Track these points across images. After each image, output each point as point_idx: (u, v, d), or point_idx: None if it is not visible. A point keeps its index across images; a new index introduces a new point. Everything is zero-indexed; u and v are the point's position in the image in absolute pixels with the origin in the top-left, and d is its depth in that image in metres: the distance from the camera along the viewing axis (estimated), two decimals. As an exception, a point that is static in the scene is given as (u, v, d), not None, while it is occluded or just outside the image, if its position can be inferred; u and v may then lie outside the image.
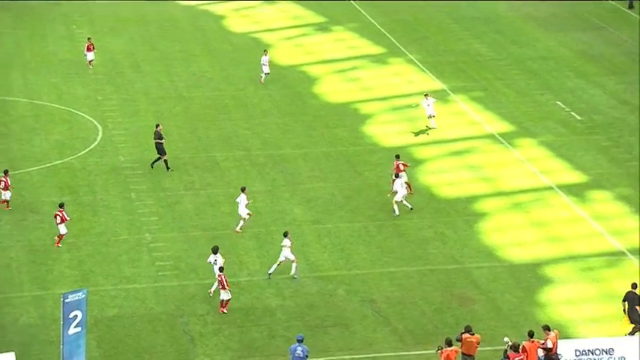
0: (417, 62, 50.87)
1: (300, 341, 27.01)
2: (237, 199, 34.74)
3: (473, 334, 27.29)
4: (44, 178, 38.44)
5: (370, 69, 50.00)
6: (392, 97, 46.83)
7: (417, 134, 41.59)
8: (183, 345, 28.89)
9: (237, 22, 57.28)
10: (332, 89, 47.75)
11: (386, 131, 43.15)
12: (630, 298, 29.04)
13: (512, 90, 47.45)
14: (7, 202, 35.67)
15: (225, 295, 30.40)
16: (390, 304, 30.85)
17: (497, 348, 28.01)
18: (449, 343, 26.51)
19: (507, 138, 42.03)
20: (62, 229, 33.57)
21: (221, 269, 30.59)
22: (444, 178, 38.76)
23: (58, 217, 33.44)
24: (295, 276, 31.97)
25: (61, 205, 33.83)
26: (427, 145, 41.68)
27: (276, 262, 31.99)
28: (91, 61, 49.10)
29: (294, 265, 31.95)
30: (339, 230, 35.04)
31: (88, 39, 49.54)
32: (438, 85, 48.03)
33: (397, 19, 57.59)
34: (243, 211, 34.65)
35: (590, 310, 30.67)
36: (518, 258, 33.38)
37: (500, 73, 49.60)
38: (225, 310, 30.41)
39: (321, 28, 56.45)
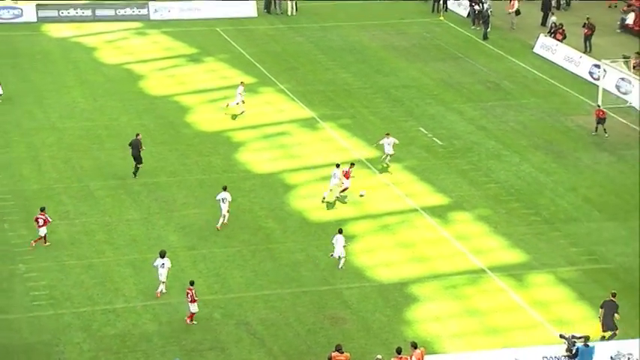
0: (287, 91, 51.95)
1: (177, 365, 27.66)
2: (218, 197, 37.20)
3: (342, 353, 28.36)
4: None
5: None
6: (263, 125, 47.74)
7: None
8: (61, 373, 29.02)
9: (109, 54, 57.32)
10: (204, 118, 48.37)
11: (258, 158, 44.05)
12: (608, 306, 30.65)
13: (377, 117, 48.82)
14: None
15: (193, 308, 31.00)
16: (265, 326, 31.60)
17: (367, 364, 29.26)
18: None
19: (374, 163, 43.30)
20: (42, 230, 35.01)
21: (192, 283, 31.36)
22: (315, 202, 39.80)
23: (40, 220, 34.79)
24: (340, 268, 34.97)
25: (42, 209, 35.25)
26: (298, 172, 42.74)
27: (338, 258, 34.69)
28: None
29: (342, 260, 34.80)
30: (214, 255, 35.71)
31: None
32: (307, 113, 49.24)
33: (267, 50, 58.67)
34: (225, 208, 37.14)
35: (454, 325, 31.95)
36: (387, 278, 34.57)
37: (366, 101, 50.99)
38: (193, 322, 31.34)
39: (193, 59, 57.02)
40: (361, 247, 36.31)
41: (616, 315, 30.62)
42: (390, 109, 49.80)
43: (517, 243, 36.97)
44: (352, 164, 40.56)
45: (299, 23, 64.15)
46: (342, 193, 39.98)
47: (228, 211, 37.40)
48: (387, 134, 43.19)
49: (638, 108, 49.72)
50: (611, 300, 30.89)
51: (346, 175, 39.84)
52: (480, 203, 40.06)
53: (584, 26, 58.71)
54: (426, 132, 46.82)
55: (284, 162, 43.74)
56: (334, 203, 39.77)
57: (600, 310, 30.89)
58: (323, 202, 39.63)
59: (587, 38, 58.19)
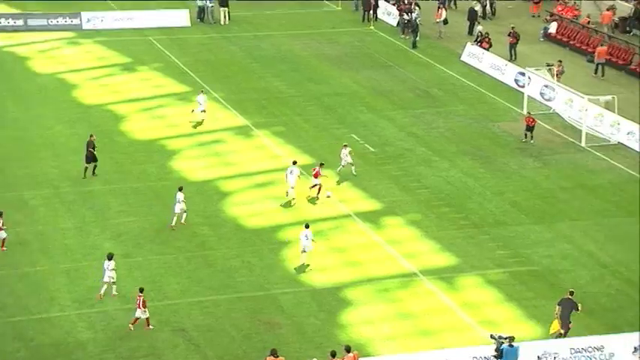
0: (220, 100, 52.27)
1: (113, 371, 27.84)
2: (177, 197, 37.81)
3: (277, 357, 28.81)
4: None
5: (175, 106, 51.06)
6: (197, 133, 48.06)
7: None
8: (-4, 383, 29.05)
9: (42, 63, 57.06)
10: (139, 127, 48.51)
11: (192, 166, 44.35)
12: (564, 304, 31.36)
13: (310, 125, 49.40)
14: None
15: (143, 314, 31.25)
16: (201, 332, 31.90)
17: (302, 368, 29.75)
18: None
19: (307, 170, 43.40)
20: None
21: (141, 290, 31.46)
22: (249, 209, 40.26)
23: None
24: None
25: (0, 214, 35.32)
26: (232, 179, 43.15)
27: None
28: None
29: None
30: (150, 263, 35.94)
31: None
32: (241, 121, 49.66)
33: (200, 59, 58.93)
34: (178, 208, 37.76)
35: (387, 328, 32.52)
36: (320, 282, 35.07)
37: (299, 108, 51.53)
38: (150, 326, 31.49)
39: (127, 68, 57.06)
40: (296, 253, 36.68)
41: (576, 312, 31.52)
42: (322, 117, 50.40)
43: (447, 246, 37.74)
44: (322, 164, 41.39)
45: (232, 32, 64.54)
46: (318, 194, 40.80)
47: (180, 211, 38.03)
48: (345, 145, 43.77)
49: (561, 114, 51.10)
50: (569, 298, 31.76)
51: (315, 175, 40.63)
52: (411, 208, 40.79)
53: (509, 35, 60.12)
54: (358, 139, 47.41)
55: (219, 169, 44.10)
56: (267, 210, 40.14)
57: (557, 307, 31.65)
58: (287, 199, 40.19)
59: (512, 47, 59.64)
